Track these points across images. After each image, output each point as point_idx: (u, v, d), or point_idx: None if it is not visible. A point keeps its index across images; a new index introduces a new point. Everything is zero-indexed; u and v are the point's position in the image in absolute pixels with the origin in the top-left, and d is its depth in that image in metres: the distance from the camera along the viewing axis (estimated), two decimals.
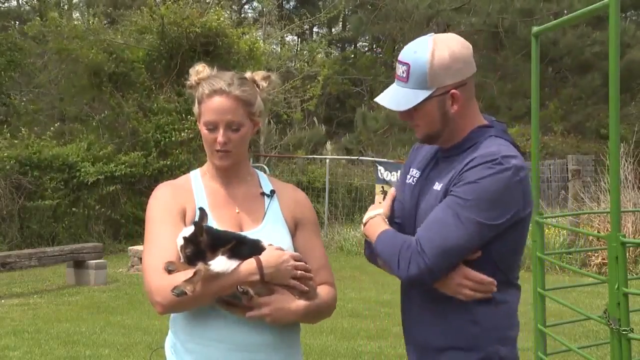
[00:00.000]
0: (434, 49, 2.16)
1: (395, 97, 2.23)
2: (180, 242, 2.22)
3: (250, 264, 2.21)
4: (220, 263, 2.18)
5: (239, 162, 2.42)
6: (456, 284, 2.15)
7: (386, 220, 2.30)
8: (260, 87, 2.42)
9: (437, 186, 2.22)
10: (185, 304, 2.20)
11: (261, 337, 2.28)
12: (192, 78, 2.40)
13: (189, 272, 2.17)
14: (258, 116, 2.40)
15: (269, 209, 2.43)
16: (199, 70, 2.40)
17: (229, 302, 2.24)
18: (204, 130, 2.36)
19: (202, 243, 2.20)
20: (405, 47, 2.24)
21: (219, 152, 2.34)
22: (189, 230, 2.23)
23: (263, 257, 2.23)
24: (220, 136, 2.32)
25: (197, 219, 2.29)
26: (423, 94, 2.18)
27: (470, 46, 2.24)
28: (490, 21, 25.07)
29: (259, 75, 2.44)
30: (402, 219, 2.32)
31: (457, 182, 2.14)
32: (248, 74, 2.43)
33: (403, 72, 2.20)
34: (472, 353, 2.17)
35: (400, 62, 2.22)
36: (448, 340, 2.20)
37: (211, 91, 2.33)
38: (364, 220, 2.35)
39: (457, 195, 2.12)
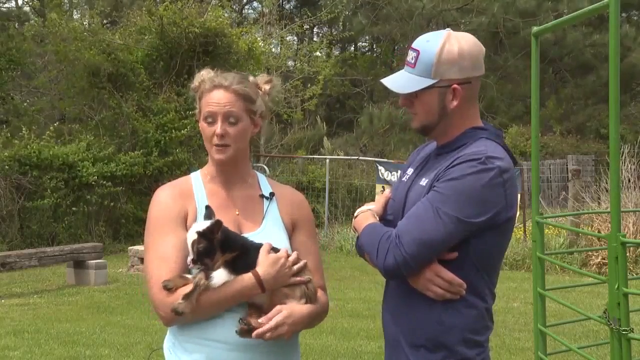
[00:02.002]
0: (445, 42, 2.22)
1: (399, 81, 2.29)
2: (193, 236, 2.22)
3: (248, 279, 2.23)
4: (220, 277, 2.21)
5: (238, 161, 2.44)
6: (426, 279, 2.18)
7: (376, 216, 2.35)
8: (263, 89, 2.45)
9: (423, 182, 2.27)
10: (187, 320, 2.25)
11: None
12: (196, 79, 2.45)
13: (187, 288, 2.20)
14: (259, 116, 2.42)
15: (267, 212, 2.45)
16: (203, 74, 2.45)
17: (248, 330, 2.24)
18: (203, 125, 2.39)
19: (216, 240, 2.22)
20: (421, 36, 2.31)
21: (217, 146, 2.36)
22: (203, 225, 2.24)
23: (260, 268, 2.24)
24: (218, 128, 2.34)
25: (203, 217, 2.30)
26: (425, 82, 2.23)
27: (483, 49, 2.28)
28: (491, 21, 25.08)
29: (261, 79, 2.47)
30: (393, 215, 2.36)
31: (440, 178, 2.19)
32: (251, 78, 2.47)
33: (412, 58, 2.26)
34: (436, 353, 2.20)
35: (412, 49, 2.29)
36: (415, 337, 2.23)
37: (211, 86, 2.37)
38: (355, 215, 2.40)
39: (438, 191, 2.16)
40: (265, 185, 2.51)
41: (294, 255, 2.33)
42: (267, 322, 2.22)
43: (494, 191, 2.14)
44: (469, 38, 2.26)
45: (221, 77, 2.39)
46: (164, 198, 2.40)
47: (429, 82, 2.22)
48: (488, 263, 2.24)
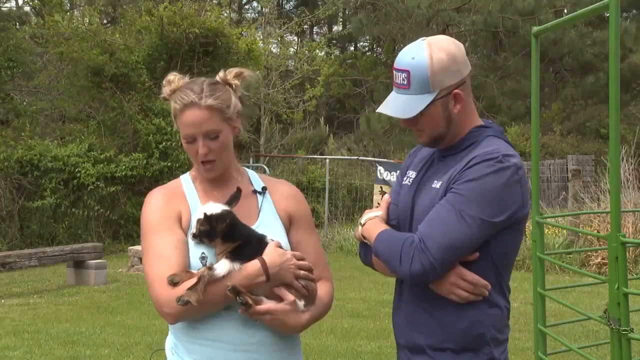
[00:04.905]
0: (431, 52, 2.17)
1: (399, 105, 2.21)
2: (200, 215, 2.24)
3: (254, 265, 2.23)
4: (224, 267, 2.20)
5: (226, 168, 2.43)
6: (450, 283, 2.15)
7: (384, 222, 2.31)
8: (234, 86, 2.39)
9: (436, 184, 2.23)
10: (194, 312, 2.21)
11: (262, 337, 2.28)
12: (165, 90, 2.38)
13: (193, 280, 2.19)
14: (236, 117, 2.38)
15: (262, 206, 2.43)
16: (171, 80, 2.37)
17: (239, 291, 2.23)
18: (184, 144, 2.36)
19: (219, 227, 2.23)
20: (401, 54, 2.23)
21: (204, 164, 2.35)
22: (215, 209, 2.25)
23: (267, 256, 2.24)
24: (200, 147, 2.31)
25: (230, 196, 2.32)
26: (427, 98, 2.18)
27: (462, 45, 2.26)
28: (490, 21, 25.06)
29: (231, 73, 2.40)
30: (398, 220, 2.32)
31: (458, 179, 2.15)
32: (220, 75, 2.40)
33: (403, 80, 2.19)
34: (461, 354, 2.18)
35: (398, 70, 2.21)
36: (440, 341, 2.20)
37: (182, 105, 2.31)
38: (362, 222, 2.34)
39: (458, 193, 2.12)
40: (257, 181, 2.50)
41: (299, 255, 2.34)
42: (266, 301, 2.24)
43: (513, 189, 2.14)
44: (447, 40, 2.22)
45: (189, 92, 2.30)
46: (155, 200, 2.39)
47: (430, 97, 2.17)
48: (506, 261, 2.23)
